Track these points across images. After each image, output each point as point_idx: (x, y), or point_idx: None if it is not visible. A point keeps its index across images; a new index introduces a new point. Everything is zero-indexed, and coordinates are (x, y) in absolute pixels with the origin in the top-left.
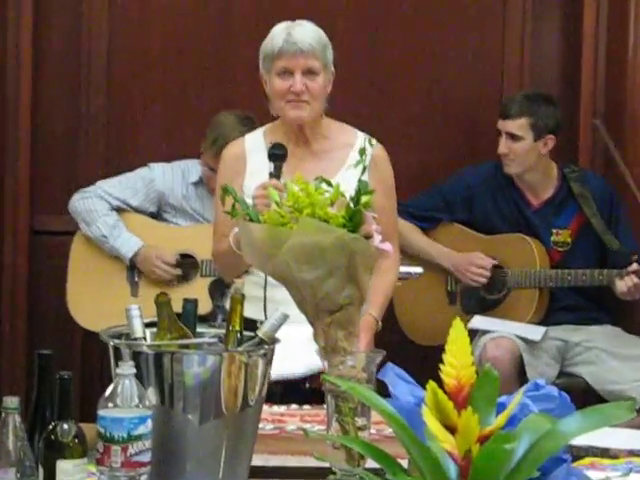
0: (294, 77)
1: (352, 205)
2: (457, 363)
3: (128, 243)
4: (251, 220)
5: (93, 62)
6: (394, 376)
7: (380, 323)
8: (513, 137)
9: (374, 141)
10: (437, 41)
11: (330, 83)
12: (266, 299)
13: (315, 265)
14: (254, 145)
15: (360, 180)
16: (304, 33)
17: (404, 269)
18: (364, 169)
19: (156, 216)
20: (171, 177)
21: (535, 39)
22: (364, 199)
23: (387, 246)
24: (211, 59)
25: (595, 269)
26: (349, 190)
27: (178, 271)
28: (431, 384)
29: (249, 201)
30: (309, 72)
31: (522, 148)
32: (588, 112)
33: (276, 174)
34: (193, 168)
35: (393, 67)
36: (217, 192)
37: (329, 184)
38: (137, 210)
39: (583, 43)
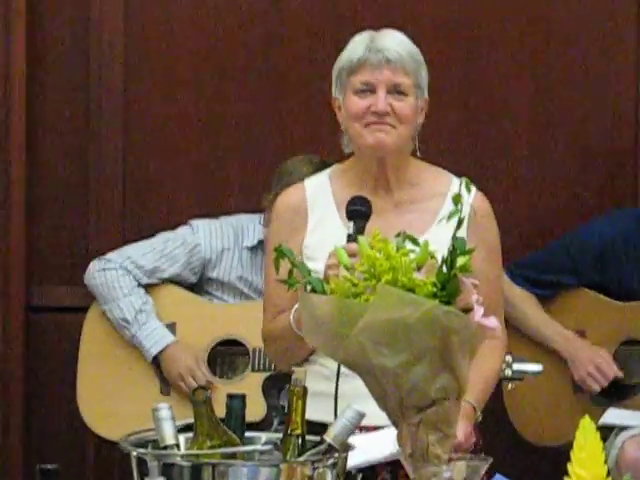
0: (376, 94)
1: (445, 269)
2: (587, 475)
3: (154, 335)
4: (314, 291)
5: (105, 94)
6: None
7: (480, 414)
8: None
9: (473, 187)
10: (553, 65)
11: (423, 113)
12: (337, 394)
13: (398, 348)
14: (317, 192)
15: (455, 237)
16: (392, 41)
17: (519, 366)
18: (459, 222)
19: (196, 288)
20: (221, 240)
21: None
22: (461, 261)
23: (492, 322)
24: (262, 85)
25: None
26: (442, 251)
27: (212, 383)
28: None
29: (313, 265)
30: (396, 91)
31: None
32: None
33: (357, 237)
34: (250, 227)
35: (494, 95)
36: (269, 255)
37: (415, 242)
38: (173, 280)
39: None
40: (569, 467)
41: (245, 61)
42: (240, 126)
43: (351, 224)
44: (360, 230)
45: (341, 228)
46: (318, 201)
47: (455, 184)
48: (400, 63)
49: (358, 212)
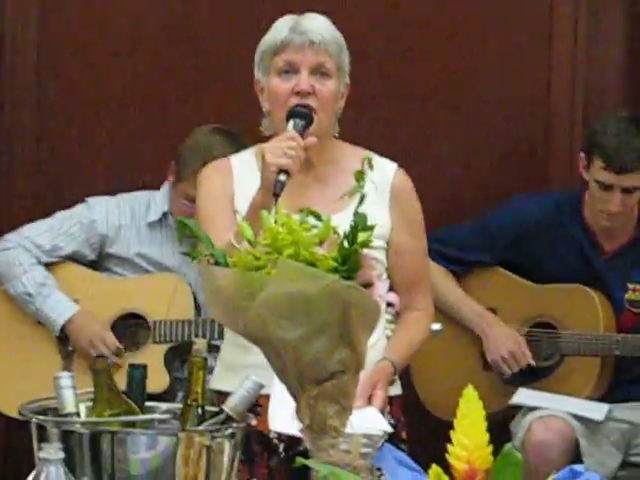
0: (299, 75)
1: (346, 244)
2: (469, 443)
3: (59, 306)
4: (217, 263)
5: (19, 61)
6: (393, 462)
7: (397, 376)
8: (629, 190)
9: (394, 164)
10: (470, 52)
11: (344, 97)
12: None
13: (298, 321)
14: (243, 166)
15: (357, 212)
16: (316, 24)
17: None
18: (362, 198)
19: (96, 265)
20: (118, 216)
21: (591, 46)
22: (362, 237)
23: (393, 297)
24: (175, 59)
25: None
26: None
27: (121, 349)
28: (435, 470)
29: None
30: (319, 72)
31: (636, 198)
32: None
33: (300, 132)
34: (149, 203)
35: (415, 76)
36: (201, 210)
37: (318, 217)
38: (72, 258)
39: None
40: (452, 434)
41: (162, 38)
42: (156, 106)
43: (292, 122)
44: (302, 127)
45: None
46: (244, 173)
47: (375, 161)
48: (323, 45)
49: (301, 114)
